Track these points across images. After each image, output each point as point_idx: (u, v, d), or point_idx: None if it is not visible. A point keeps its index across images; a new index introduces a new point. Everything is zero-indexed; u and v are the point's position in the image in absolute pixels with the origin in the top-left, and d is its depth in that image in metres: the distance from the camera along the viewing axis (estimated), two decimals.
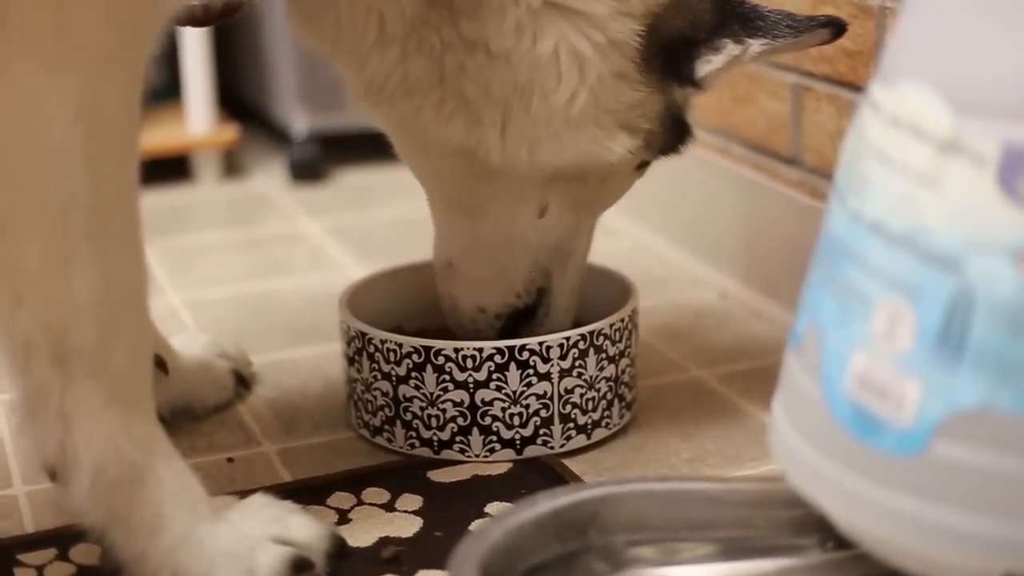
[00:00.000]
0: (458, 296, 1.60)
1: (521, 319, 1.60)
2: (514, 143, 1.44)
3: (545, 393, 1.53)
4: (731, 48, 1.43)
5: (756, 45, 1.43)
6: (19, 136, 1.18)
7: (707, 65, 1.44)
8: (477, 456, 1.54)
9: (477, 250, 1.56)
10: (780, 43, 1.44)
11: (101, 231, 1.21)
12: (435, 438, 1.55)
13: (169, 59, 2.81)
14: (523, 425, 1.54)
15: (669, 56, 1.44)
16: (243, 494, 1.37)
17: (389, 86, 1.44)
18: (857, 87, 1.79)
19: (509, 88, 1.41)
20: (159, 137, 2.72)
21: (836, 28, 1.46)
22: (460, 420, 1.53)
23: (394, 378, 1.55)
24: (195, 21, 1.42)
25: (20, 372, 1.25)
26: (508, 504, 1.43)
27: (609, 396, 1.59)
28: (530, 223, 1.53)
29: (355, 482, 1.51)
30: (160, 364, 1.58)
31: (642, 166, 1.55)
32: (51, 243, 1.20)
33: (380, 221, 2.48)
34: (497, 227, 1.53)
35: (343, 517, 1.44)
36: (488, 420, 1.53)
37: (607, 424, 1.59)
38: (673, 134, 1.51)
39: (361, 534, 1.40)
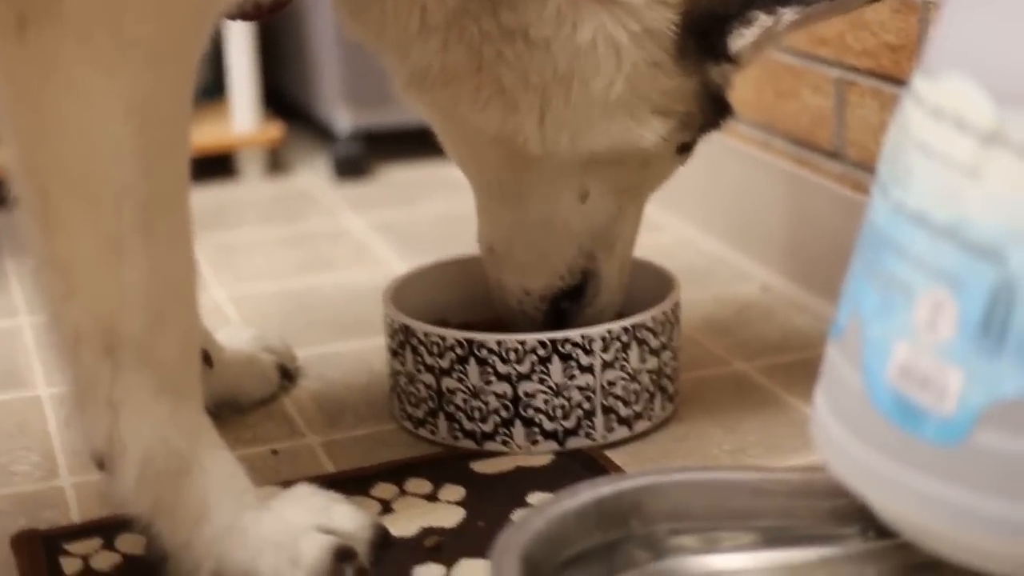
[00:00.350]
0: (503, 279, 1.61)
1: (569, 300, 1.61)
2: (553, 130, 1.45)
3: (588, 385, 1.54)
4: (763, 20, 1.43)
5: (789, 13, 1.42)
6: (73, 130, 1.19)
7: (740, 39, 1.44)
8: (520, 448, 1.55)
9: (520, 236, 1.57)
10: (813, 9, 1.42)
11: (152, 224, 1.22)
12: (478, 430, 1.55)
13: (214, 58, 2.83)
14: (566, 417, 1.54)
15: (702, 37, 1.44)
16: (287, 485, 1.38)
17: (431, 75, 1.46)
18: (900, 81, 1.78)
19: (548, 75, 1.42)
20: (204, 135, 2.74)
21: None
22: (503, 412, 1.54)
23: (437, 371, 1.55)
24: (246, 15, 1.43)
25: (70, 362, 1.26)
26: (550, 494, 1.44)
27: (652, 388, 1.59)
28: (572, 208, 1.54)
29: (398, 473, 1.52)
30: (205, 358, 1.59)
31: (684, 149, 1.55)
32: (103, 235, 1.21)
33: (423, 216, 2.49)
34: (539, 213, 1.54)
35: (386, 507, 1.45)
36: (531, 412, 1.54)
37: (649, 416, 1.60)
38: (711, 113, 1.52)
39: (404, 524, 1.41)
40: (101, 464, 1.29)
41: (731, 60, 1.46)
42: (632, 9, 1.41)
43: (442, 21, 1.42)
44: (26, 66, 1.18)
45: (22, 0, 1.16)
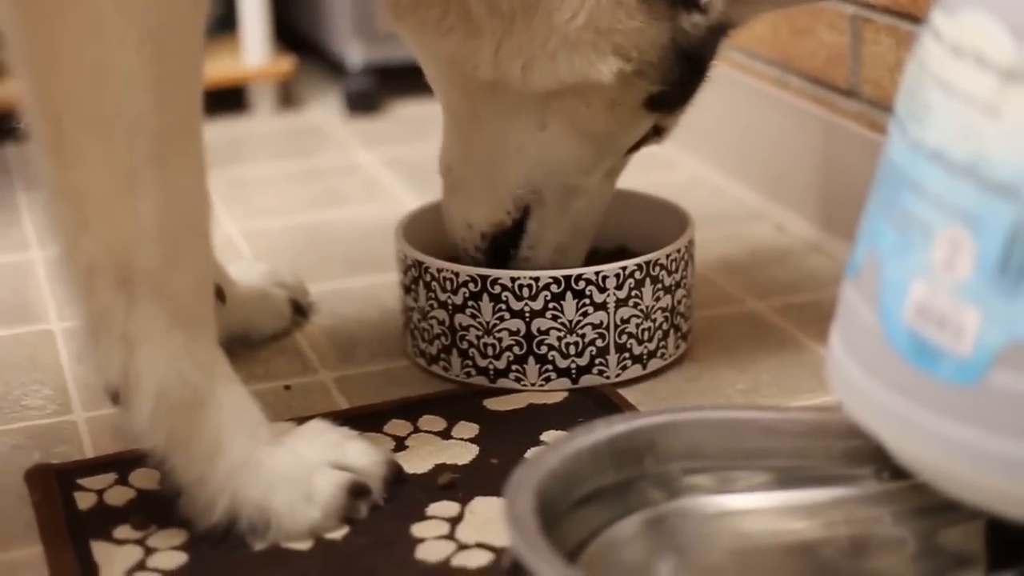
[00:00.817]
0: (451, 207, 1.60)
1: (508, 243, 1.58)
2: (507, 59, 1.44)
3: (601, 323, 1.54)
4: None
5: None
6: (85, 60, 1.18)
7: None
8: (533, 385, 1.55)
9: (473, 156, 1.55)
10: None
11: (165, 155, 1.22)
12: (491, 367, 1.55)
13: None
14: (579, 355, 1.54)
15: None
16: (301, 421, 1.38)
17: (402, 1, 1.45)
18: (916, 18, 1.77)
19: (516, 4, 1.41)
20: (215, 69, 2.72)
21: None
22: (516, 349, 1.54)
23: (450, 307, 1.55)
24: None
25: (84, 295, 1.26)
26: (564, 432, 1.44)
27: (665, 327, 1.59)
28: (527, 135, 1.51)
29: (411, 410, 1.52)
30: (218, 293, 1.59)
31: (655, 105, 1.51)
32: (116, 167, 1.20)
33: (435, 152, 2.47)
34: (494, 135, 1.52)
35: (400, 444, 1.45)
36: (544, 349, 1.54)
37: (663, 355, 1.60)
38: (680, 69, 1.48)
39: (417, 461, 1.41)
40: (115, 397, 1.29)
41: (700, 9, 1.44)
42: None
43: None
44: None
45: None
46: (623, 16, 1.43)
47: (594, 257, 1.72)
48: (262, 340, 1.72)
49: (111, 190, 1.22)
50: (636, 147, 1.58)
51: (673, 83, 1.49)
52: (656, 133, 1.57)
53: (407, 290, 1.61)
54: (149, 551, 1.29)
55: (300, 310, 1.79)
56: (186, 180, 1.26)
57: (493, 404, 1.53)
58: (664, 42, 1.46)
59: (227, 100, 2.79)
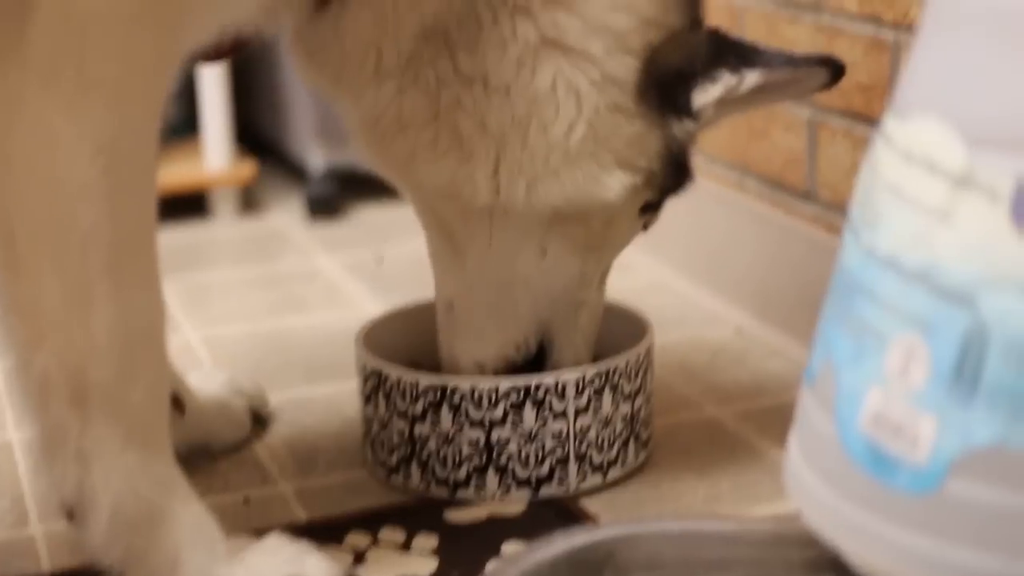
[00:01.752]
0: (457, 349, 1.58)
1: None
2: (508, 179, 1.43)
3: (561, 432, 1.53)
4: (727, 78, 1.42)
5: (752, 75, 1.42)
6: (38, 172, 1.18)
7: (703, 95, 1.43)
8: (493, 496, 1.54)
9: (478, 295, 1.54)
10: (776, 74, 1.43)
11: (119, 268, 1.21)
12: (451, 477, 1.54)
13: (186, 95, 2.82)
14: (539, 464, 1.53)
15: (666, 90, 1.43)
16: (259, 533, 1.37)
17: (384, 122, 1.45)
18: (872, 121, 1.79)
19: (507, 121, 1.41)
20: (177, 173, 2.73)
21: (834, 68, 1.46)
22: (476, 459, 1.53)
23: (410, 416, 1.54)
24: (206, 56, 1.42)
25: (38, 411, 1.25)
26: (524, 544, 1.43)
27: (625, 435, 1.58)
28: (531, 266, 1.51)
29: (371, 521, 1.51)
30: (177, 403, 1.59)
31: (646, 211, 1.53)
32: (70, 280, 1.20)
33: (396, 257, 2.48)
34: (497, 270, 1.51)
35: (359, 557, 1.44)
36: (504, 459, 1.53)
37: (623, 463, 1.59)
38: (673, 174, 1.50)
39: (378, 574, 1.40)
40: (71, 514, 1.28)
41: (693, 116, 1.45)
42: (592, 58, 1.41)
43: (397, 66, 1.42)
44: None
45: None
46: (623, 121, 1.43)
47: None
48: (222, 450, 1.70)
49: (65, 304, 1.21)
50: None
51: (667, 189, 1.51)
52: (643, 228, 1.58)
53: (367, 399, 1.60)
54: None
55: (259, 419, 1.78)
56: (140, 293, 1.25)
57: (453, 516, 1.52)
58: (661, 149, 1.47)
59: (188, 205, 2.79)
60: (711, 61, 1.43)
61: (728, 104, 1.45)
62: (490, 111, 1.41)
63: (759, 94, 1.45)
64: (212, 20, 1.30)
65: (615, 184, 1.45)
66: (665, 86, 1.43)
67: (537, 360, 1.58)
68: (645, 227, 1.58)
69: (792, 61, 1.44)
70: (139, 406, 1.25)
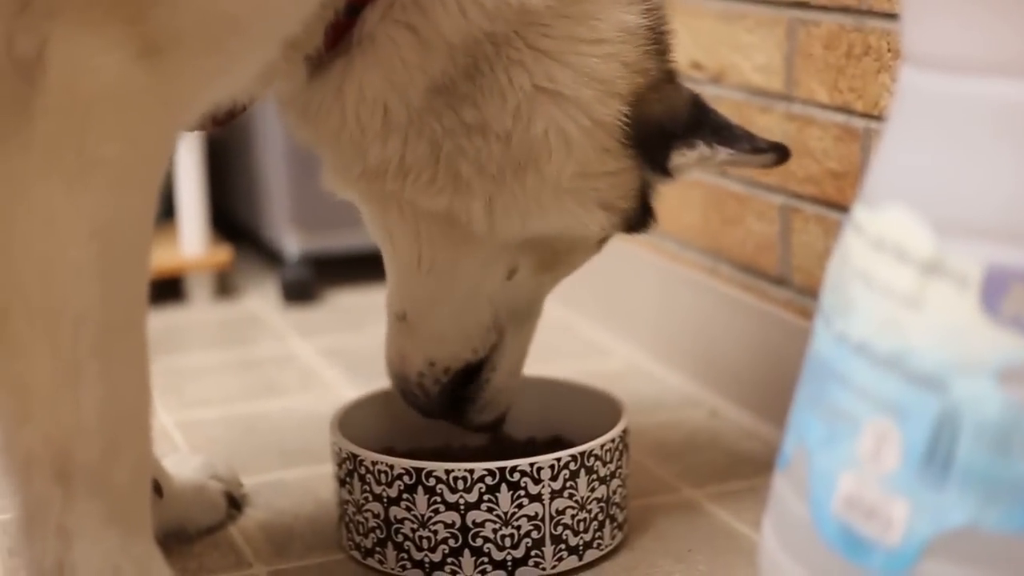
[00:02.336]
0: (409, 350, 1.65)
1: (465, 379, 1.66)
2: (503, 214, 1.51)
3: (536, 514, 1.53)
4: (703, 149, 1.53)
5: (723, 154, 1.54)
6: (34, 251, 1.19)
7: (681, 158, 1.54)
8: None
9: (440, 307, 1.62)
10: (740, 157, 1.56)
11: (110, 348, 1.22)
12: (427, 560, 1.54)
13: (163, 181, 2.82)
14: (515, 547, 1.54)
15: (647, 139, 1.52)
16: None
17: (388, 170, 1.50)
18: (844, 208, 1.81)
19: (507, 165, 1.48)
20: (153, 258, 2.71)
21: (780, 154, 1.57)
22: (451, 542, 1.53)
23: (385, 499, 1.55)
24: (199, 128, 1.45)
25: (21, 486, 1.24)
26: None
27: (600, 517, 1.59)
28: (497, 284, 1.60)
29: None
30: (155, 487, 1.58)
31: (604, 239, 1.64)
32: (60, 359, 1.20)
33: (372, 342, 2.46)
34: (464, 286, 1.60)
35: None
36: (479, 541, 1.53)
37: (599, 545, 1.59)
38: (640, 213, 1.60)
39: None
40: None
41: (668, 173, 1.55)
42: (582, 104, 1.48)
43: (404, 120, 1.47)
44: None
45: None
46: (609, 161, 1.52)
47: (530, 447, 1.73)
48: (197, 533, 1.70)
49: (54, 382, 1.21)
50: None
51: (631, 228, 1.61)
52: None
53: (342, 483, 1.61)
54: None
55: (234, 503, 1.78)
56: (129, 373, 1.25)
57: None
58: (636, 189, 1.56)
59: (164, 290, 2.79)
60: (691, 127, 1.54)
61: (702, 168, 1.58)
62: (490, 157, 1.48)
63: (731, 164, 1.60)
64: (212, 94, 1.32)
65: (595, 222, 1.54)
66: (647, 136, 1.52)
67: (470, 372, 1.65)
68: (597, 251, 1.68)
69: (754, 147, 1.56)
70: (123, 485, 1.25)
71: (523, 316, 1.66)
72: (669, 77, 1.56)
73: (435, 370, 1.64)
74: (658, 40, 1.54)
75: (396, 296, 1.64)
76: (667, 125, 1.53)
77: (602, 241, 1.65)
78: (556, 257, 1.61)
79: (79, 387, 1.20)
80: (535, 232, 1.54)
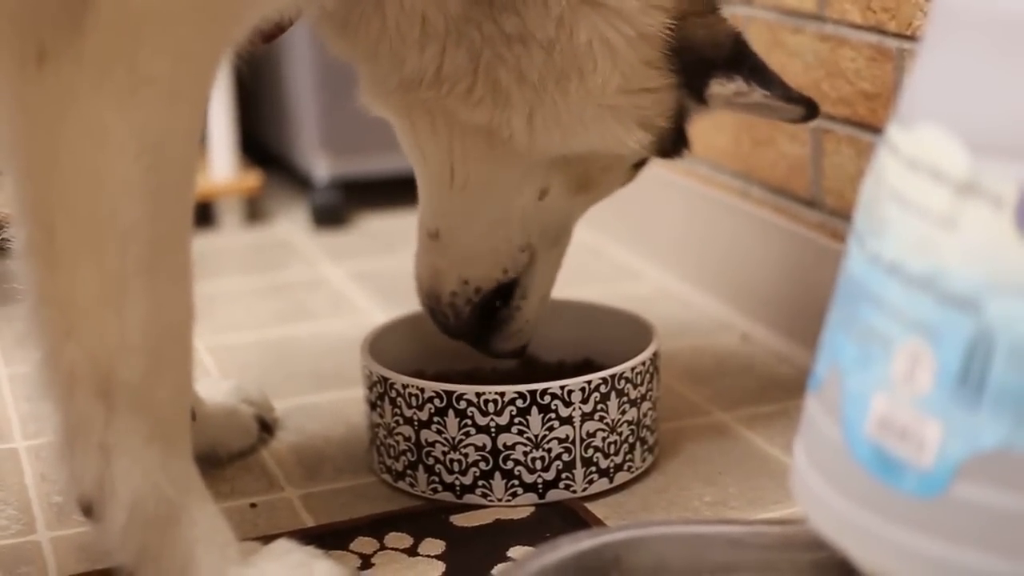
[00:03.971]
0: (442, 267, 1.63)
1: (500, 300, 1.65)
2: (543, 127, 1.50)
3: (567, 437, 1.54)
4: (740, 85, 1.53)
5: (758, 94, 1.54)
6: (84, 166, 1.19)
7: (719, 87, 1.53)
8: (499, 500, 1.55)
9: (473, 225, 1.61)
10: (772, 102, 1.55)
11: (156, 265, 1.22)
12: (457, 482, 1.55)
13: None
14: (545, 469, 1.54)
15: (688, 63, 1.52)
16: (266, 539, 1.37)
17: (425, 80, 1.49)
18: (876, 129, 1.79)
19: (548, 75, 1.48)
20: None
21: (810, 110, 1.58)
22: (482, 464, 1.54)
23: (416, 423, 1.55)
24: (245, 47, 1.44)
25: (63, 403, 1.25)
26: (530, 548, 1.43)
27: (631, 440, 1.59)
28: (531, 203, 1.59)
29: (378, 527, 1.51)
30: None
31: (639, 164, 1.64)
32: (106, 275, 1.20)
33: (402, 266, 2.45)
34: (498, 204, 1.59)
35: (366, 562, 1.44)
36: (510, 464, 1.53)
37: (629, 468, 1.59)
38: (674, 139, 1.59)
39: None
40: (87, 510, 1.27)
41: (703, 100, 1.54)
42: (626, 15, 1.47)
43: (443, 29, 1.46)
44: (42, 100, 1.18)
45: (44, 32, 1.17)
46: (654, 75, 1.51)
47: (560, 370, 1.72)
48: (229, 457, 1.71)
49: (99, 297, 1.21)
50: None
51: (665, 152, 1.59)
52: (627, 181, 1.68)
53: (373, 406, 1.61)
54: None
55: (266, 427, 1.78)
56: (174, 291, 1.26)
57: (459, 520, 1.52)
58: (674, 111, 1.55)
59: (194, 215, 2.79)
60: (731, 62, 1.53)
61: (728, 104, 1.56)
62: (532, 65, 1.47)
63: (752, 107, 1.57)
64: (262, 10, 1.31)
65: (634, 140, 1.53)
66: (689, 58, 1.52)
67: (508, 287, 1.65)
68: (629, 180, 1.68)
69: (787, 95, 1.55)
70: (164, 403, 1.26)
71: (553, 239, 1.65)
72: (712, 7, 1.56)
73: (467, 289, 1.63)
74: None
75: (428, 213, 1.63)
76: (708, 52, 1.52)
77: (637, 167, 1.64)
78: (589, 178, 1.60)
79: (124, 304, 1.21)
80: (574, 148, 1.53)
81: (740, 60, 1.54)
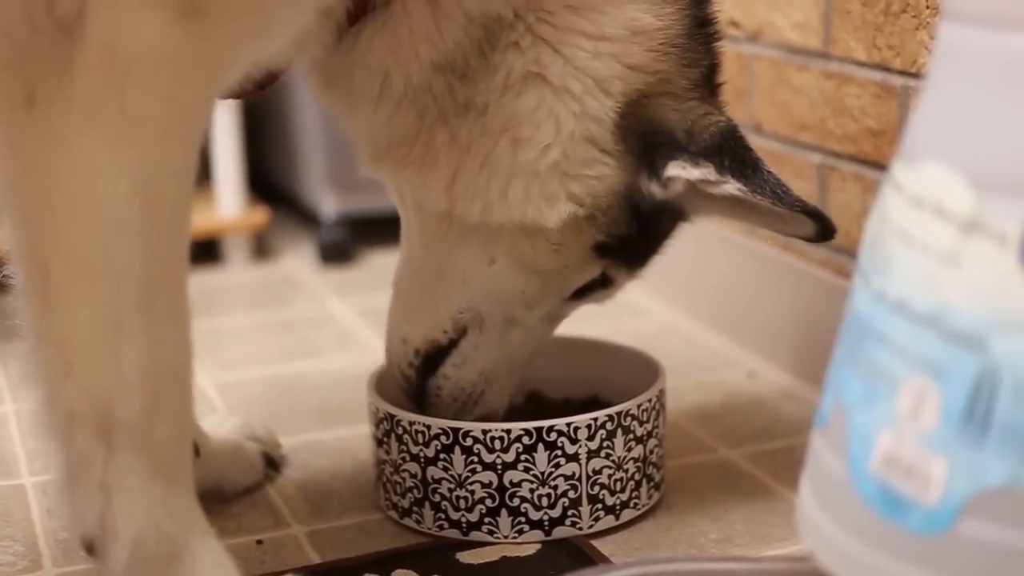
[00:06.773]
0: (391, 324, 1.63)
1: (438, 363, 1.61)
2: (463, 194, 1.48)
3: (573, 474, 1.53)
4: (709, 172, 1.44)
5: (731, 186, 1.44)
6: (77, 207, 1.19)
7: (679, 170, 1.45)
8: (506, 537, 1.54)
9: (419, 276, 1.59)
10: (756, 199, 1.44)
11: (151, 304, 1.22)
12: (463, 519, 1.55)
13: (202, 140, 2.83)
14: (551, 506, 1.54)
15: (647, 142, 1.47)
16: None
17: (383, 144, 1.50)
18: (881, 166, 1.80)
19: (476, 135, 1.46)
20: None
21: (822, 226, 1.47)
22: (488, 501, 1.54)
23: (422, 459, 1.55)
24: (237, 94, 1.45)
25: (63, 442, 1.25)
26: None
27: (637, 477, 1.59)
28: (475, 267, 1.54)
29: (384, 564, 1.51)
30: (192, 447, 1.59)
31: (602, 252, 1.54)
32: (102, 314, 1.21)
33: None
34: (442, 261, 1.56)
35: None
36: (516, 501, 1.53)
37: (635, 505, 1.59)
38: (629, 224, 1.52)
39: None
40: (90, 548, 1.27)
41: (660, 182, 1.47)
42: (572, 94, 1.45)
43: (401, 90, 1.46)
44: (33, 141, 1.19)
45: (33, 75, 1.17)
46: (596, 154, 1.46)
47: (566, 407, 1.73)
48: (235, 494, 1.71)
49: (96, 337, 1.22)
50: (583, 296, 1.60)
51: (619, 237, 1.52)
52: (603, 284, 1.59)
53: (379, 443, 1.61)
54: None
55: (272, 463, 1.78)
56: (171, 329, 1.26)
57: (466, 557, 1.52)
58: (620, 191, 1.49)
59: (201, 252, 2.80)
60: (708, 150, 1.45)
61: (706, 198, 1.48)
62: (463, 125, 1.46)
63: (740, 209, 1.50)
64: (250, 56, 1.32)
65: (554, 216, 1.48)
66: (648, 139, 1.47)
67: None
68: (606, 284, 1.59)
69: (780, 197, 1.44)
70: (164, 441, 1.26)
71: (509, 318, 1.58)
72: (704, 96, 1.50)
73: (407, 350, 1.61)
74: (685, 48, 1.48)
75: (398, 264, 1.65)
76: (676, 135, 1.46)
77: (602, 252, 1.54)
78: (538, 254, 1.52)
79: (121, 343, 1.21)
80: (495, 218, 1.49)
81: (722, 150, 1.45)
